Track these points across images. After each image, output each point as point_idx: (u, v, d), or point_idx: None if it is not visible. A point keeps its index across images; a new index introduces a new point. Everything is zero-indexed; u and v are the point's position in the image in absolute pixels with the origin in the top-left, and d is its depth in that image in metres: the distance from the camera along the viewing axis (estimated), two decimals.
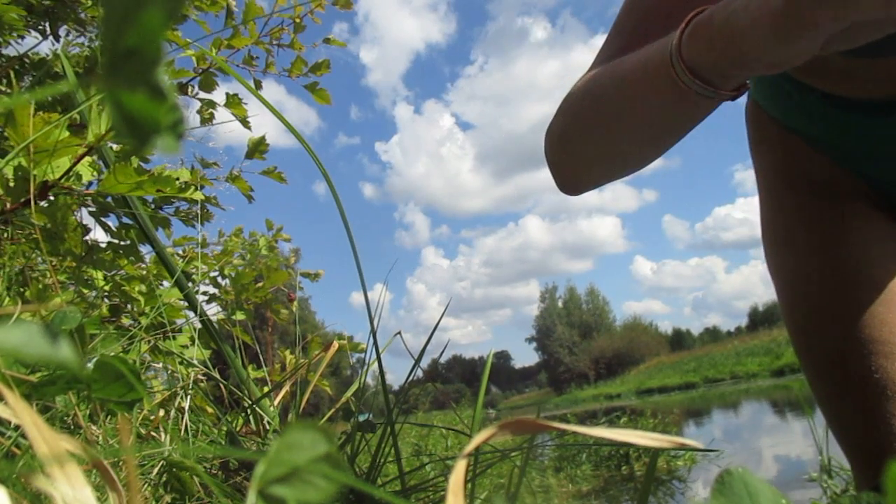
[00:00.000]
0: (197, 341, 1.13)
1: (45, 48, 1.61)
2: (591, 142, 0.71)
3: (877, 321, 0.72)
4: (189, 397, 0.80)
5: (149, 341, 1.03)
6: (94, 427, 0.63)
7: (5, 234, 1.05)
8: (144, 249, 1.27)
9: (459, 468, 0.26)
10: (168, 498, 0.56)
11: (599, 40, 0.73)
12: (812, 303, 0.78)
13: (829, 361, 0.76)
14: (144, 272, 1.32)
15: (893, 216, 0.80)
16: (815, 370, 0.78)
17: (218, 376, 0.96)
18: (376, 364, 0.75)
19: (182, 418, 0.76)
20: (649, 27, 0.69)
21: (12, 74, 1.40)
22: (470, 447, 0.27)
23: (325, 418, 1.05)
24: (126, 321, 1.30)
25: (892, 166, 0.77)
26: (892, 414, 0.69)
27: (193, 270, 1.33)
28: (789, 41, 0.47)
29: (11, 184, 0.83)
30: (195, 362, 1.02)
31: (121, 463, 0.52)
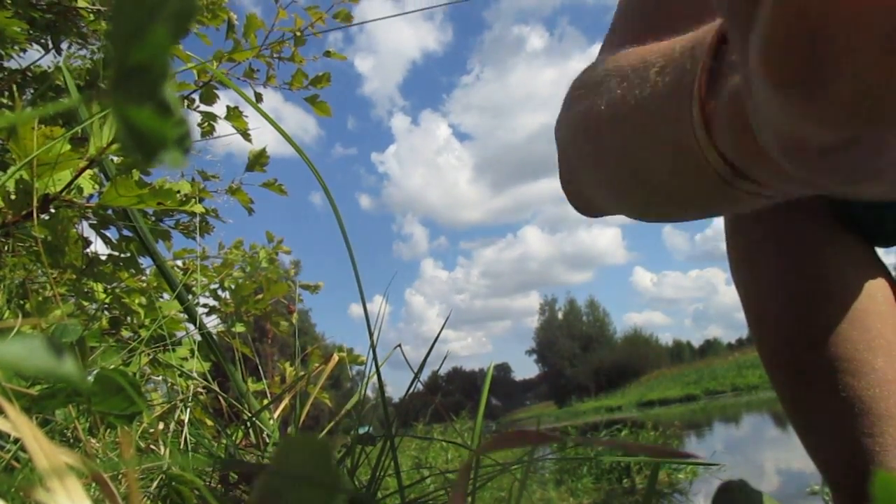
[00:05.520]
0: (196, 354, 1.13)
1: (48, 61, 1.62)
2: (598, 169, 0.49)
3: (840, 339, 0.71)
4: (189, 410, 0.80)
5: (149, 354, 1.03)
6: (93, 440, 0.63)
7: (6, 247, 1.05)
8: (145, 262, 1.27)
9: (460, 481, 0.26)
10: None
11: (597, 49, 0.67)
12: (780, 324, 0.77)
13: (797, 381, 0.75)
14: (144, 284, 1.32)
15: (857, 232, 0.79)
16: (784, 390, 0.78)
17: (217, 389, 0.96)
18: (376, 377, 0.75)
19: (182, 431, 0.76)
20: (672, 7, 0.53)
21: (14, 88, 1.40)
22: (470, 460, 0.27)
23: (325, 431, 1.05)
24: (126, 334, 1.30)
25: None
26: (860, 432, 0.69)
27: (193, 283, 1.33)
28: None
29: (13, 196, 0.83)
30: (195, 375, 1.02)
31: (121, 476, 0.52)
